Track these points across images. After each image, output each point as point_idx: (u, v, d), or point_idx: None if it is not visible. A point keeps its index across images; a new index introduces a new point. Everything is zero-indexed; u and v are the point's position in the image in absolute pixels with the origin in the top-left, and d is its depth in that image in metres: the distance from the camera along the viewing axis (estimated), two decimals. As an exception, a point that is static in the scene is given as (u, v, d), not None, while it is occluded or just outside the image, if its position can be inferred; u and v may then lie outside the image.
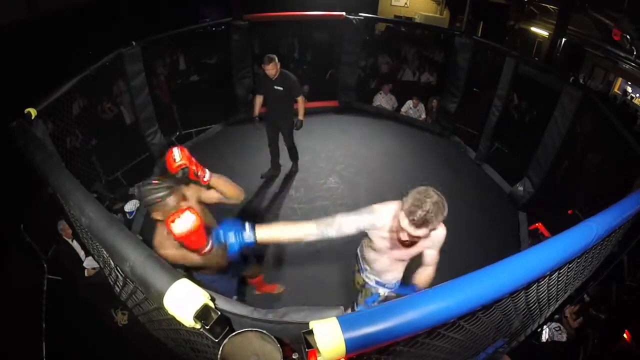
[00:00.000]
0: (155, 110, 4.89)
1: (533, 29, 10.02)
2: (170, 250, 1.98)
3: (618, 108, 7.96)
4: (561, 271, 1.55)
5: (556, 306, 2.33)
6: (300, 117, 4.37)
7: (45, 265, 3.60)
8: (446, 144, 6.14)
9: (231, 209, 4.41)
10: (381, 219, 1.96)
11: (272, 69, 4.02)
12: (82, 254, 3.65)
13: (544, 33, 9.60)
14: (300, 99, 4.29)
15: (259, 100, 4.41)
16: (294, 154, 4.92)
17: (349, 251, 3.96)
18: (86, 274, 3.58)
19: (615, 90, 8.75)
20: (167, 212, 1.89)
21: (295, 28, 7.34)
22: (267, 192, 4.69)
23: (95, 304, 3.39)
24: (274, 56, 4.04)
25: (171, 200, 1.95)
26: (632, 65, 7.21)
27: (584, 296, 3.21)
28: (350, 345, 0.93)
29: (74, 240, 3.61)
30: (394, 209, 1.95)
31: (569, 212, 4.15)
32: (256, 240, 1.77)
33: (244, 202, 4.47)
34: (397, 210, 1.84)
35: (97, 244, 1.62)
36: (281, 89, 4.16)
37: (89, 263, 3.61)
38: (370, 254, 2.28)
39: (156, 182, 1.95)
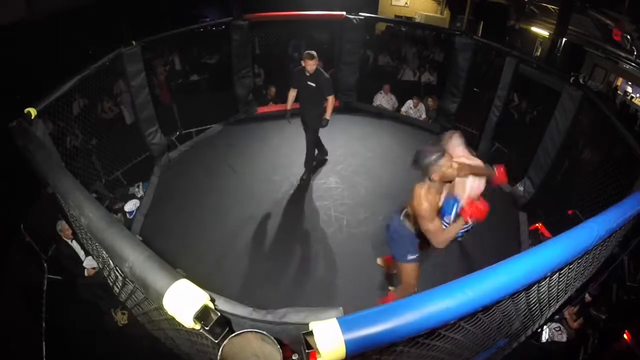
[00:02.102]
0: (155, 110, 4.89)
1: (533, 28, 10.01)
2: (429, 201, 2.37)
3: (618, 108, 7.96)
4: (562, 272, 1.54)
5: (557, 307, 2.33)
6: (327, 116, 4.42)
7: (45, 265, 3.60)
8: (446, 144, 6.12)
9: (229, 206, 4.42)
10: None
11: (312, 64, 4.13)
12: (81, 254, 3.64)
13: (544, 33, 9.60)
14: (330, 98, 4.34)
15: (292, 93, 4.54)
16: (309, 155, 4.80)
17: (348, 252, 3.97)
18: (86, 274, 3.58)
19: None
20: (442, 172, 2.31)
21: (296, 28, 7.33)
22: (268, 192, 4.68)
23: (96, 304, 3.39)
24: (315, 54, 4.15)
25: (444, 161, 2.30)
26: (633, 66, 7.20)
27: (585, 296, 3.21)
28: (351, 346, 0.93)
29: (74, 241, 3.61)
30: None
31: (570, 212, 4.15)
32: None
33: (245, 202, 4.50)
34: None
35: (97, 244, 1.62)
36: (314, 85, 4.26)
37: (89, 263, 3.61)
38: None
39: (429, 147, 2.36)
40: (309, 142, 4.71)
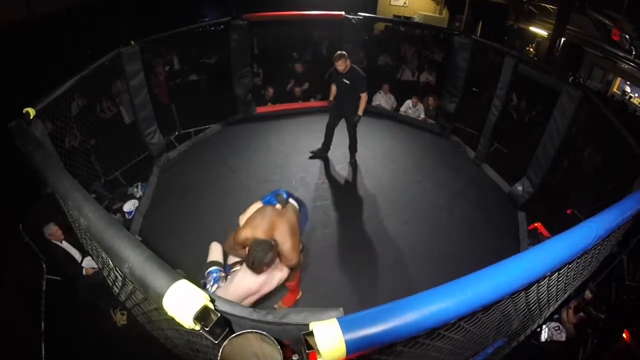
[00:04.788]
0: (154, 109, 4.88)
1: (532, 28, 10.03)
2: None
3: (617, 107, 7.98)
4: (561, 272, 1.54)
5: (556, 306, 2.34)
6: (360, 112, 4.71)
7: (43, 265, 3.59)
8: (445, 143, 6.13)
9: (228, 207, 4.41)
10: None
11: (341, 65, 4.43)
12: (73, 252, 3.62)
13: (543, 33, 9.61)
14: (363, 95, 4.62)
15: (333, 88, 4.85)
16: (353, 145, 5.15)
17: (348, 252, 3.97)
18: (84, 273, 3.56)
19: (614, 89, 8.76)
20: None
21: (295, 27, 7.33)
22: (267, 192, 4.67)
23: (95, 304, 3.38)
24: (344, 53, 4.46)
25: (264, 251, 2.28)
26: (631, 65, 7.22)
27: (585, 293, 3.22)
28: (351, 346, 0.92)
29: (63, 242, 3.58)
30: None
31: (568, 211, 4.16)
32: None
33: (245, 202, 4.49)
34: None
35: (96, 244, 1.62)
36: (348, 82, 4.56)
37: (88, 263, 3.60)
38: None
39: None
40: (350, 133, 5.03)
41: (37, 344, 3.04)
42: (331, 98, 4.94)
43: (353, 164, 5.23)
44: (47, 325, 3.19)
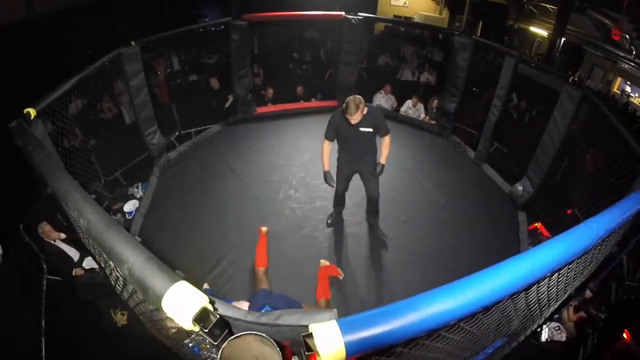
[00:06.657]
0: (155, 110, 4.88)
1: (532, 28, 10.03)
2: None
3: (619, 107, 7.98)
4: (561, 272, 1.54)
5: (556, 306, 2.34)
6: (383, 160, 3.55)
7: (44, 265, 3.59)
8: (446, 143, 6.13)
9: (228, 207, 4.41)
10: None
11: (358, 116, 3.25)
12: (70, 251, 3.61)
13: (543, 33, 9.61)
14: (387, 138, 3.49)
15: (328, 148, 3.61)
16: (375, 206, 3.95)
17: (347, 252, 3.97)
18: (74, 274, 3.54)
19: (615, 89, 8.76)
20: None
21: (295, 28, 7.34)
22: (268, 193, 4.68)
23: (95, 304, 3.38)
24: (359, 98, 3.25)
25: None
26: (632, 65, 7.22)
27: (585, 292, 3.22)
28: (351, 348, 0.92)
29: (57, 241, 3.58)
30: None
31: (569, 211, 4.15)
32: None
33: (245, 203, 4.50)
34: None
35: (96, 245, 1.62)
36: (370, 130, 3.42)
37: (88, 263, 3.60)
38: None
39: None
40: (373, 194, 3.82)
41: (38, 343, 3.04)
42: (326, 168, 3.65)
43: (373, 226, 4.15)
44: (47, 324, 3.19)
